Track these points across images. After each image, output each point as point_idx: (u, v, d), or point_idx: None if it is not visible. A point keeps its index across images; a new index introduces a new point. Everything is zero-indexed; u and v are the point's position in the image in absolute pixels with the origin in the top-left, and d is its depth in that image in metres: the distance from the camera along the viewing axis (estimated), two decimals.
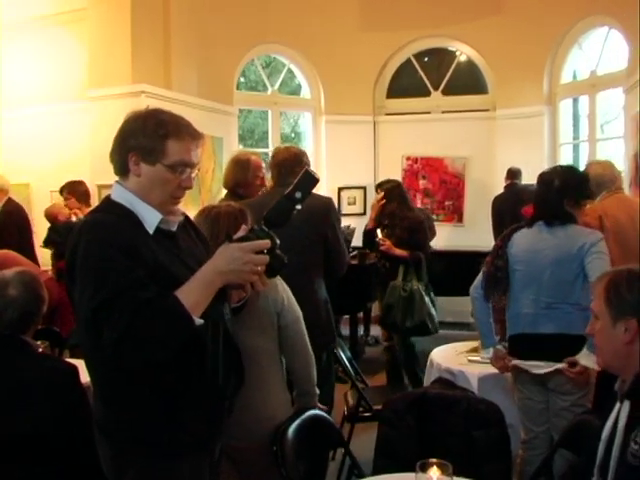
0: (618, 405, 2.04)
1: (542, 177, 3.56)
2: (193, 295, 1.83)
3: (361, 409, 4.37)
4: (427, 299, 5.36)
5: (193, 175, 2.03)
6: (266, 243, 1.85)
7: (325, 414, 2.85)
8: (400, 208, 5.60)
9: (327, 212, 3.88)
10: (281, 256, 1.93)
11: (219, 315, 1.99)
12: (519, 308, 3.42)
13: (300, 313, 2.87)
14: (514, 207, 7.21)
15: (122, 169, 2.01)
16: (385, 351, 5.86)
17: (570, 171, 3.62)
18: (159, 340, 1.79)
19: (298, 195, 1.90)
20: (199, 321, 1.82)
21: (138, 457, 1.99)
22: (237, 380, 2.13)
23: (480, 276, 3.60)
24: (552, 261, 3.32)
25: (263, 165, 4.35)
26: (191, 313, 1.80)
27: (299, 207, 1.90)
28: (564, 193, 3.41)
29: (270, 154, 4.26)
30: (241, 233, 1.91)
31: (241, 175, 4.24)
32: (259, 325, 2.70)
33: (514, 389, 3.54)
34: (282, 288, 2.83)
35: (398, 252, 5.43)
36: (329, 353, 4.04)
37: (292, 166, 3.83)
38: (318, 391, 2.92)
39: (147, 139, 1.96)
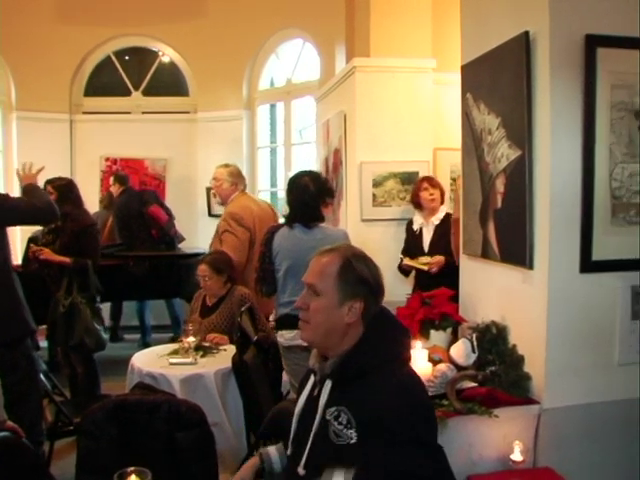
0: (312, 380, 2.10)
1: (295, 183, 3.95)
2: None
3: (61, 424, 4.13)
4: (88, 312, 5.02)
5: None
6: None
7: (15, 434, 2.60)
8: (76, 210, 5.29)
9: None
10: None
11: None
12: (290, 296, 3.77)
13: None
14: (139, 208, 7.47)
15: None
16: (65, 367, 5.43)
17: (319, 176, 4.09)
18: None
19: None
20: None
21: None
22: None
23: None
24: None
25: None
26: None
27: None
28: (320, 197, 3.93)
29: None
30: None
31: None
32: None
33: (284, 359, 3.98)
34: None
35: (59, 259, 5.08)
36: (28, 356, 3.70)
37: None
38: (5, 416, 2.66)
39: None
